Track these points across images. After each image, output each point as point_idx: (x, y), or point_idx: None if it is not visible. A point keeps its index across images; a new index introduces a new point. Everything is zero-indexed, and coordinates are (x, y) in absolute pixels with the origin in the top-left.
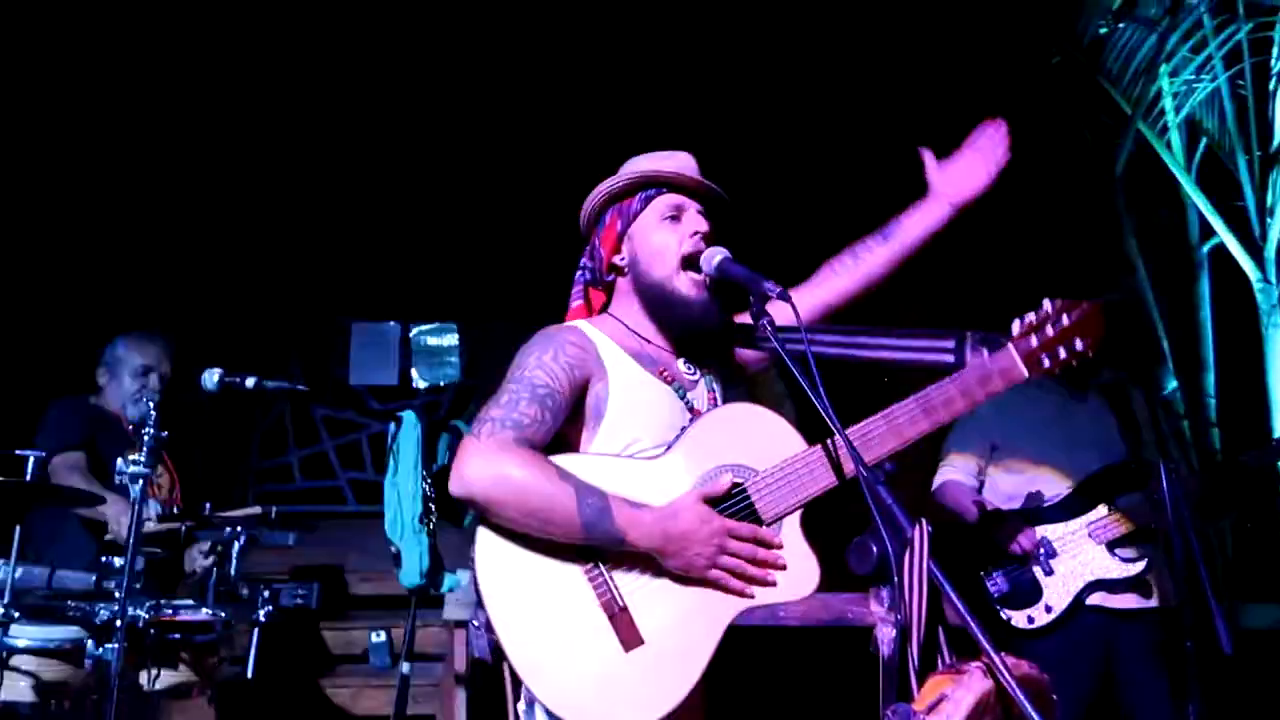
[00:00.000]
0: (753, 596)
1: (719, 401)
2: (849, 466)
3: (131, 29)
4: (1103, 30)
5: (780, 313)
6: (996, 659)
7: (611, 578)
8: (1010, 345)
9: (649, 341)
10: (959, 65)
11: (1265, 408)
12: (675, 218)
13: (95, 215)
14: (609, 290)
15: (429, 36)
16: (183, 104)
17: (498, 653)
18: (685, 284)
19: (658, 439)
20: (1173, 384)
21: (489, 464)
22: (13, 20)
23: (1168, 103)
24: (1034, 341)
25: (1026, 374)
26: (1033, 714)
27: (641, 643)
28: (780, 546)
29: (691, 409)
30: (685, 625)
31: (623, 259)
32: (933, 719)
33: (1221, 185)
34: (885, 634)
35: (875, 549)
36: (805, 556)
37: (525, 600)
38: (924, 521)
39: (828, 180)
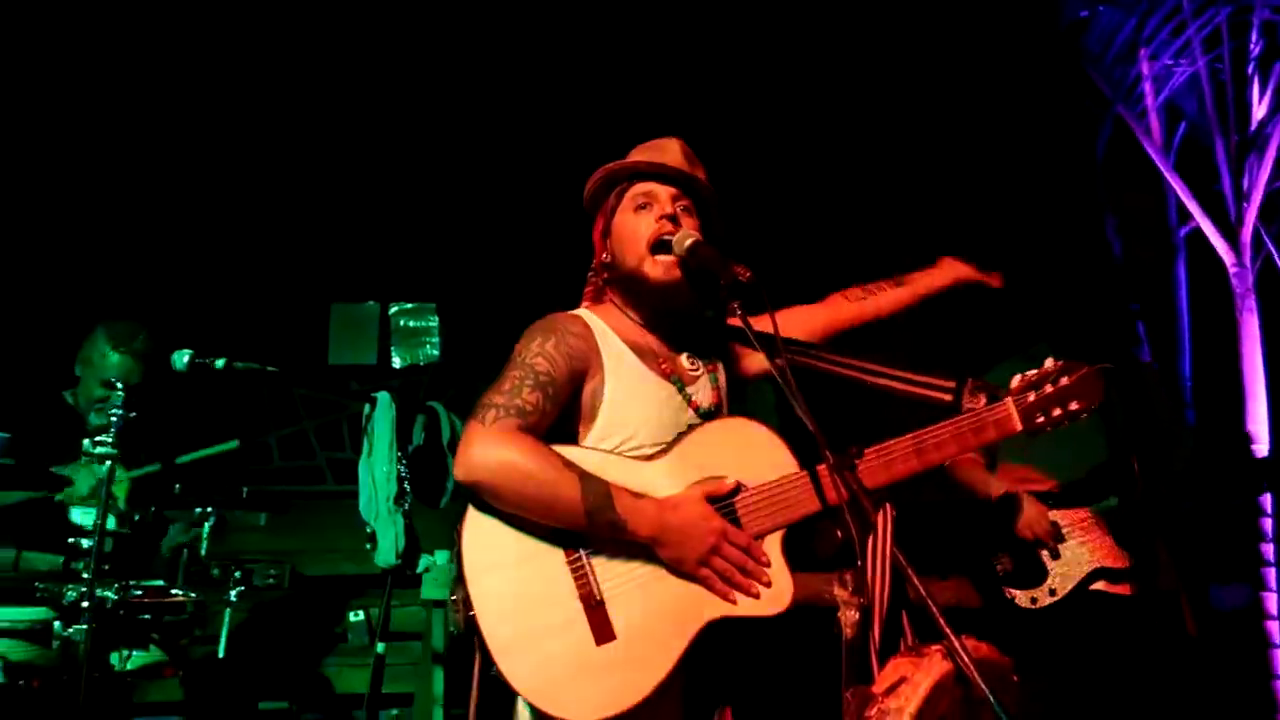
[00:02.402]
0: (734, 603)
1: (723, 398)
2: (832, 495)
3: (123, 16)
4: (1083, 14)
5: (768, 327)
6: (955, 642)
7: (593, 569)
8: (1008, 398)
9: (650, 333)
10: (941, 49)
11: (1239, 390)
12: (646, 205)
13: (78, 198)
14: (612, 286)
15: (417, 16)
16: (164, 90)
17: (471, 628)
18: (654, 267)
19: (653, 436)
20: (1150, 365)
21: (495, 450)
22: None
23: (1147, 86)
24: (1031, 397)
25: (1021, 428)
26: (989, 695)
27: (613, 638)
28: (768, 563)
29: (691, 403)
30: (659, 625)
31: (608, 255)
32: (891, 701)
33: (1199, 169)
34: (849, 616)
35: (839, 534)
36: (782, 575)
37: (505, 582)
38: (887, 506)
39: (816, 169)
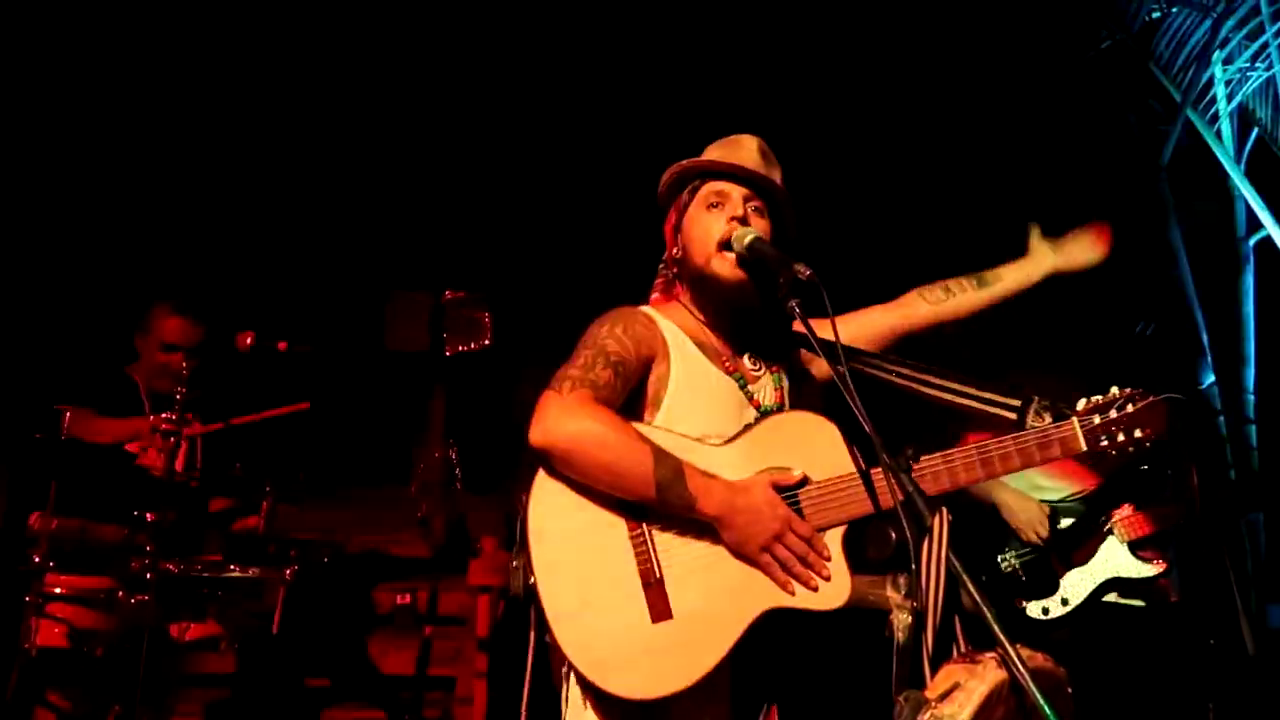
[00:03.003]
0: (792, 594)
1: (786, 398)
2: (887, 499)
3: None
4: (1155, 14)
5: (825, 328)
6: (1011, 650)
7: (655, 546)
8: (1074, 418)
9: (714, 332)
10: (1009, 48)
11: None
12: (718, 204)
13: (142, 189)
14: (681, 281)
15: (479, 12)
16: (227, 83)
17: (529, 594)
18: (720, 264)
19: (716, 428)
20: (1210, 378)
21: (572, 417)
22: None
23: (1220, 91)
24: (1096, 420)
25: (1085, 448)
26: (1045, 706)
27: (670, 617)
28: (829, 557)
29: (753, 400)
30: (715, 609)
31: (678, 250)
32: (944, 707)
33: (1271, 177)
34: (900, 620)
35: (894, 535)
36: (841, 571)
37: (567, 551)
38: (943, 510)
39: (882, 168)
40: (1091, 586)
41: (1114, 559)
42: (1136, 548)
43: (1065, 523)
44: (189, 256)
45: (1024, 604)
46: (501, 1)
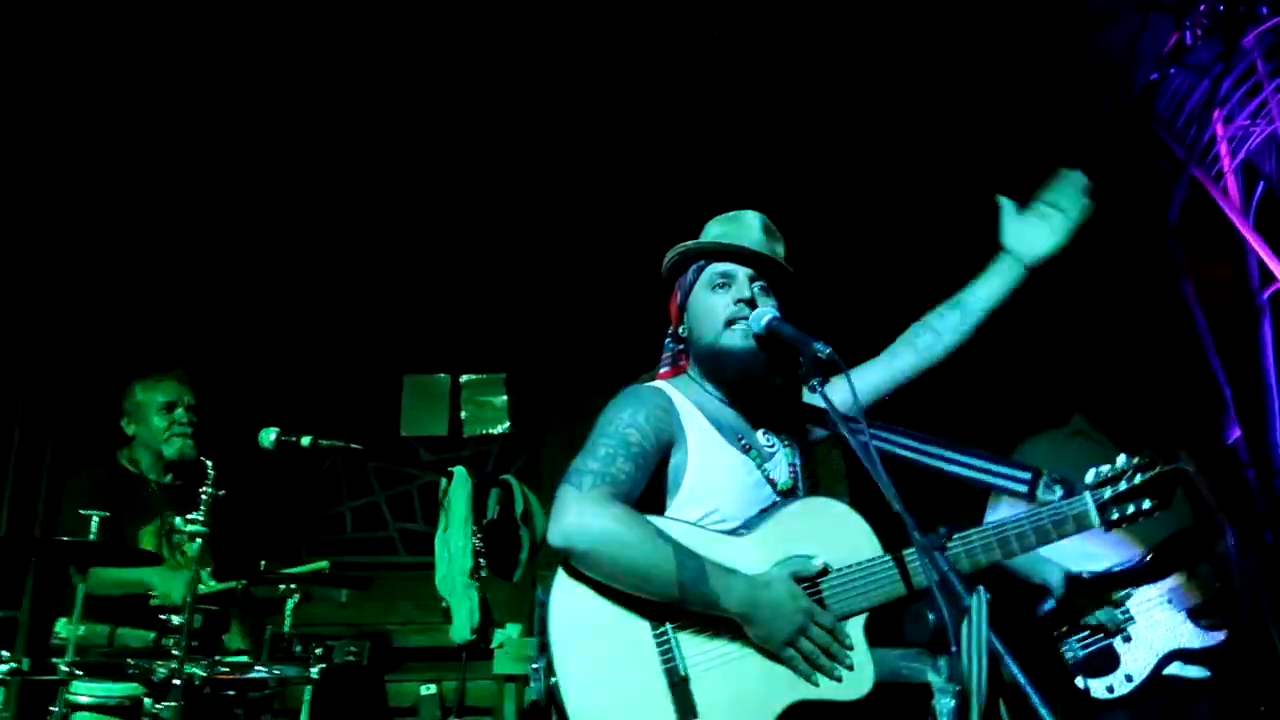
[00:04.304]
0: (816, 685)
1: (798, 475)
2: (918, 579)
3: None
4: (1154, 77)
5: (838, 390)
6: None
7: (679, 645)
8: (1086, 493)
9: (728, 408)
10: (1010, 117)
11: None
12: (724, 285)
13: (147, 270)
14: (688, 356)
15: (481, 90)
16: (232, 164)
17: (550, 698)
18: (731, 336)
19: (734, 509)
20: (1236, 433)
21: (592, 517)
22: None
23: (1223, 148)
24: (1108, 494)
25: (1098, 524)
26: None
27: (696, 716)
28: (851, 646)
29: (769, 479)
30: (741, 705)
31: (685, 329)
32: None
33: None
34: (944, 704)
35: (931, 617)
36: (864, 660)
37: (590, 653)
38: (982, 589)
39: (886, 233)
40: (1154, 660)
41: (1174, 629)
42: (1195, 616)
43: (1118, 596)
44: (197, 347)
45: (1087, 683)
46: (506, 85)
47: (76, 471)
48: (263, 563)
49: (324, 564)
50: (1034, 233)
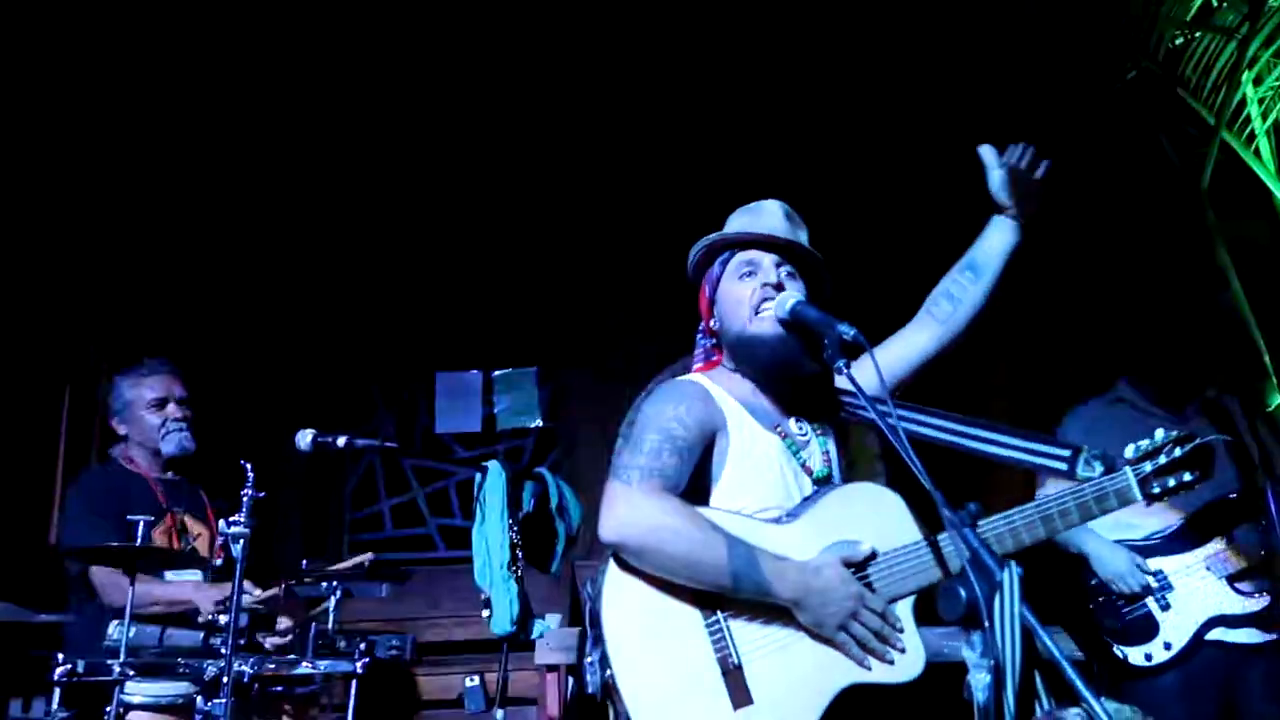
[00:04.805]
0: (869, 669)
1: (833, 462)
2: (955, 564)
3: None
4: (1178, 40)
5: (865, 371)
6: (1095, 704)
7: (730, 633)
8: (1127, 468)
9: (761, 396)
10: (1034, 87)
11: None
12: (750, 273)
13: (179, 271)
14: (721, 349)
15: (514, 86)
16: (258, 166)
17: (607, 690)
18: (760, 324)
19: (773, 497)
20: (1277, 399)
21: (643, 511)
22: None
23: (1254, 110)
24: (1148, 467)
25: (1140, 498)
26: None
27: (750, 703)
28: (902, 629)
29: (805, 467)
30: (795, 691)
31: (716, 322)
32: None
33: None
34: (979, 680)
35: (964, 594)
36: (915, 642)
37: (644, 644)
38: (1013, 564)
39: (910, 210)
40: (1194, 627)
41: (1214, 596)
42: (1235, 582)
43: (1157, 563)
44: (230, 349)
45: (1125, 651)
46: (539, 82)
47: (76, 477)
48: (304, 561)
49: (365, 557)
50: (1016, 193)
